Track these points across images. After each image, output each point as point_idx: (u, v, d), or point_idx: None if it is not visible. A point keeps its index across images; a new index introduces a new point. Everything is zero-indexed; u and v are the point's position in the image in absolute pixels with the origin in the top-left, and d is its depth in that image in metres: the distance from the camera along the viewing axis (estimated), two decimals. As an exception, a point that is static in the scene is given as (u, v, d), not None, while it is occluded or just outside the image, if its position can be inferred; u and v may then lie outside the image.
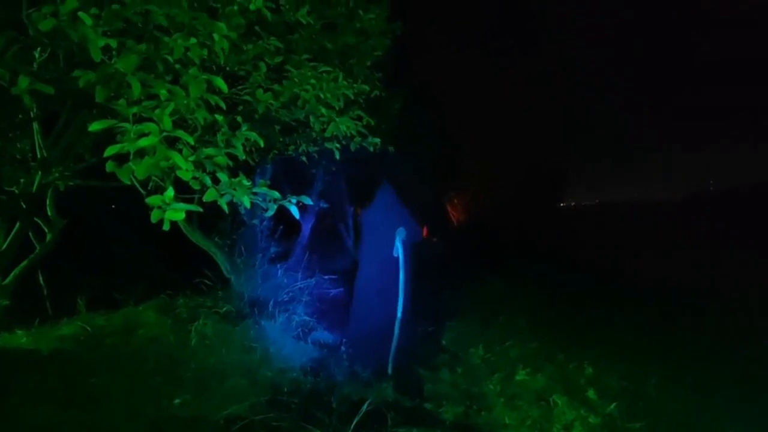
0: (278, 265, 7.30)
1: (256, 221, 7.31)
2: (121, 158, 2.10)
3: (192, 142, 2.09)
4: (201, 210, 2.13)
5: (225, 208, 2.32)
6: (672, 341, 6.02)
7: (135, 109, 2.00)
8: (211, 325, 5.36)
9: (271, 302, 6.00)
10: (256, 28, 3.38)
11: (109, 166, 2.04)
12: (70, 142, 3.39)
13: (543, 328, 6.55)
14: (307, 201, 2.59)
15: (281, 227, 7.85)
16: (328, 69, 3.80)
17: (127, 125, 1.98)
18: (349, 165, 9.02)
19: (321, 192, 8.65)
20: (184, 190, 2.25)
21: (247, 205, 2.31)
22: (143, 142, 1.94)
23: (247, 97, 3.51)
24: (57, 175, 3.36)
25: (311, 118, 4.02)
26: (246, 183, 2.29)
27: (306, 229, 8.20)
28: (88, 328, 5.06)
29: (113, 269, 7.96)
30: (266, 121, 3.95)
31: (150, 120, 2.02)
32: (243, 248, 6.81)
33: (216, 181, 2.31)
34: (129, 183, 2.17)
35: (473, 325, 7.10)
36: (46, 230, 4.17)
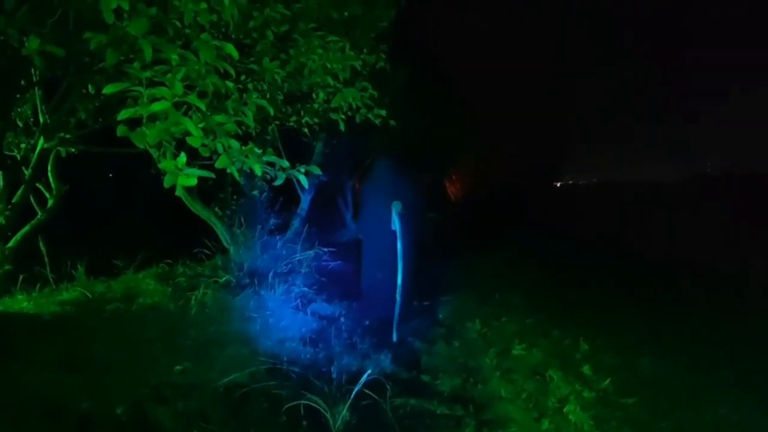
0: (277, 237, 7.31)
1: (255, 192, 7.29)
2: (130, 123, 2.08)
3: (204, 108, 2.07)
4: (214, 176, 2.12)
5: (237, 175, 2.32)
6: (668, 319, 6.10)
7: (148, 73, 1.98)
8: (210, 295, 5.37)
9: (271, 273, 6.02)
10: (264, -6, 3.32)
11: (121, 131, 2.03)
12: (72, 107, 3.36)
13: (539, 305, 6.61)
14: (317, 171, 2.58)
15: (281, 199, 7.84)
16: (335, 39, 3.75)
17: (140, 89, 1.96)
18: (349, 138, 8.97)
19: (320, 165, 8.58)
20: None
21: (259, 173, 2.30)
22: (156, 107, 1.92)
23: (254, 66, 3.46)
24: (58, 140, 3.33)
25: (316, 89, 3.98)
26: (257, 151, 2.28)
27: (305, 201, 8.17)
28: (89, 294, 5.07)
29: (112, 236, 7.95)
30: (271, 90, 3.90)
31: (162, 84, 2.00)
32: (242, 219, 6.81)
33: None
34: (143, 147, 2.16)
35: (469, 301, 7.17)
36: (47, 196, 4.16)
